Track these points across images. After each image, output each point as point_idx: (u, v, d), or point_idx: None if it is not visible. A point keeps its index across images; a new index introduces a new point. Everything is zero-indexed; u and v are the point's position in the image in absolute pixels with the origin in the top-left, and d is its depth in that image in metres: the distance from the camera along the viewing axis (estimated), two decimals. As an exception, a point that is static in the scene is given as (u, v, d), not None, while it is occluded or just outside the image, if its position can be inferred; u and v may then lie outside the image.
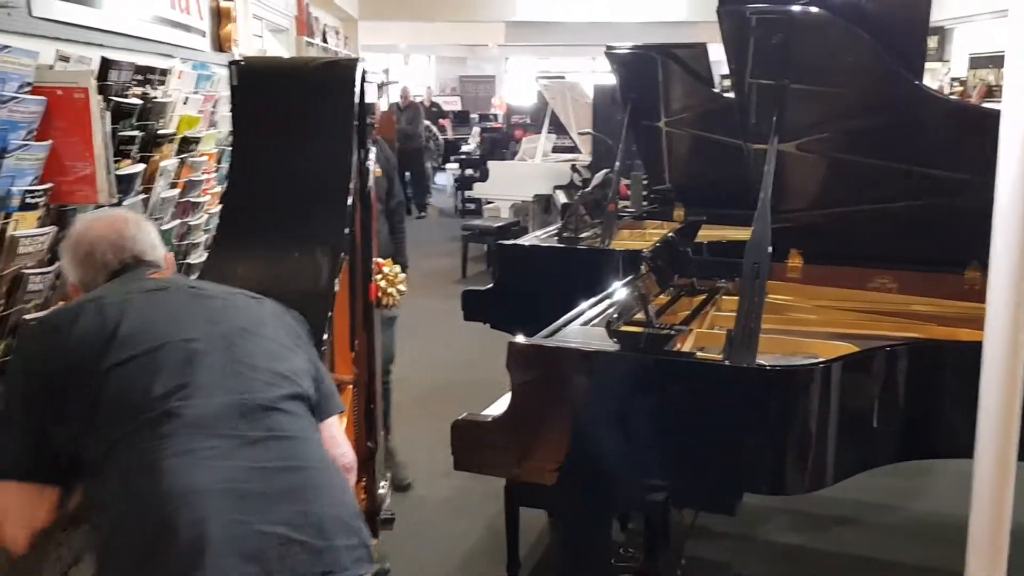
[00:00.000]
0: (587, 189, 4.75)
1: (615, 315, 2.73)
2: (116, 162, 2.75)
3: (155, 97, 3.10)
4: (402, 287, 3.36)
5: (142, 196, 2.97)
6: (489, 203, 10.25)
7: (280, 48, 6.72)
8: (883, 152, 3.03)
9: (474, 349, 5.59)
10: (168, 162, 3.26)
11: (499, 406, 2.65)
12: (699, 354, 2.54)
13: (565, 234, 4.45)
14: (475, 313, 4.27)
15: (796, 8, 2.49)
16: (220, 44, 4.59)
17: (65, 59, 2.54)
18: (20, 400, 1.74)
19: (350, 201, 2.51)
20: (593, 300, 3.14)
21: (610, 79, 6.31)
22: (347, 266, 2.60)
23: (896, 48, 2.56)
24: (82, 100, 2.34)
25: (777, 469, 2.38)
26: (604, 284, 3.54)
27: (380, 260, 3.29)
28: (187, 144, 3.50)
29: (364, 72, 2.78)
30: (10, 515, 1.73)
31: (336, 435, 1.99)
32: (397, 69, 20.75)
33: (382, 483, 3.17)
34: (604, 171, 4.94)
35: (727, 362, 2.37)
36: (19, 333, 2.13)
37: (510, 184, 9.68)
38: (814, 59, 2.66)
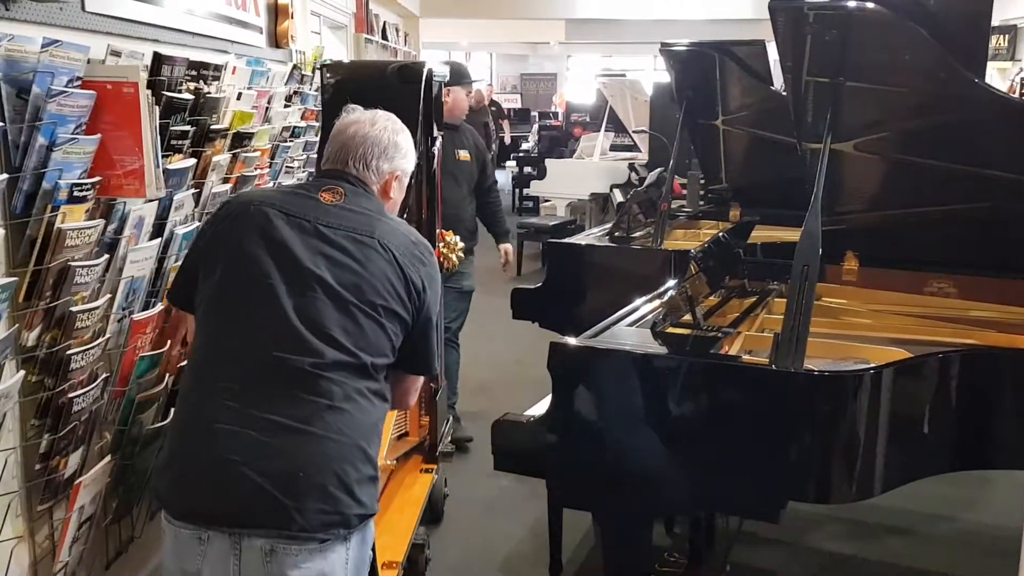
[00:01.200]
0: (640, 188, 4.69)
1: (661, 316, 2.69)
2: (167, 157, 2.78)
3: (208, 92, 3.13)
4: (461, 254, 3.97)
5: (193, 191, 3.00)
6: (546, 201, 10.20)
7: (338, 45, 6.76)
8: (944, 153, 2.94)
9: (524, 347, 5.57)
10: (220, 157, 3.29)
11: (541, 407, 2.63)
12: (745, 357, 2.49)
13: (617, 233, 4.41)
14: (524, 311, 4.25)
15: (852, 4, 2.41)
16: (277, 40, 4.63)
17: (117, 54, 2.57)
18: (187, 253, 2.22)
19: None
20: (642, 300, 3.10)
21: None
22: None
23: (957, 46, 2.46)
24: (131, 95, 2.36)
25: (823, 477, 2.32)
26: (655, 284, 3.50)
27: (443, 231, 3.80)
28: (240, 140, 3.53)
29: (431, 72, 3.35)
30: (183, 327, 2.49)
31: (408, 388, 2.20)
32: (458, 66, 20.77)
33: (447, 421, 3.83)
34: (658, 170, 4.88)
35: (773, 366, 2.31)
36: None
37: (567, 182, 9.64)
38: (871, 57, 2.57)
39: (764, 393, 2.30)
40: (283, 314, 1.88)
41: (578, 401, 2.47)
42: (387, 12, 9.48)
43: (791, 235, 4.50)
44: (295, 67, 4.49)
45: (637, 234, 4.48)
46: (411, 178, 2.76)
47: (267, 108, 4.00)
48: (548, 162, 10.20)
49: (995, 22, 10.82)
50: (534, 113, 17.59)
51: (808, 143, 2.96)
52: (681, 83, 4.49)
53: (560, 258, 4.27)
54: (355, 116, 2.21)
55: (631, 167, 9.19)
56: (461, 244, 3.95)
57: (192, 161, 2.97)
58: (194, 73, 3.07)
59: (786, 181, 4.72)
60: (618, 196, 8.85)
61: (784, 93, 4.69)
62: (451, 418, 4.18)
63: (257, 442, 1.80)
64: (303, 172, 4.55)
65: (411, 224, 2.75)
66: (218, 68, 3.30)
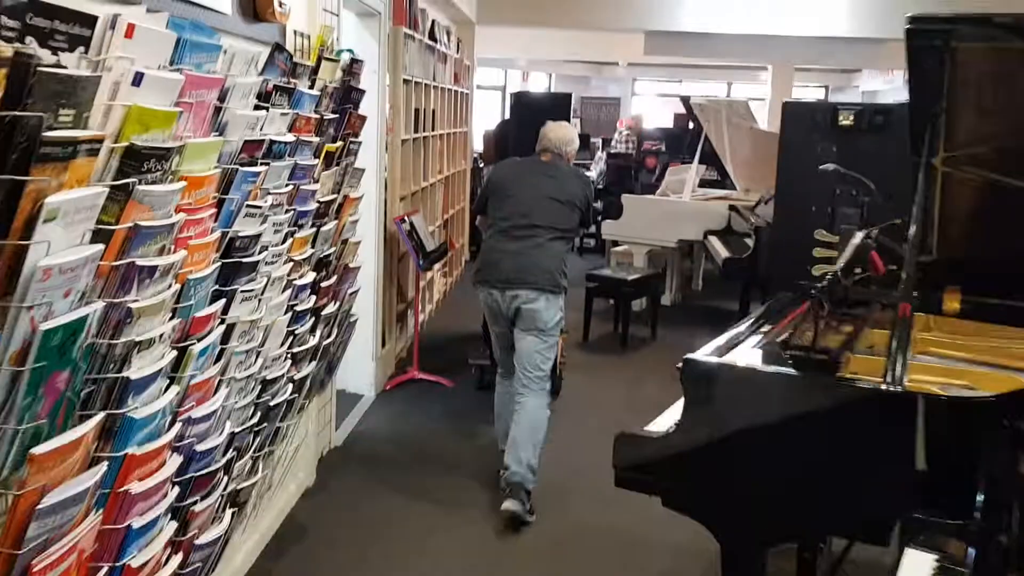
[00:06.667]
0: (840, 263, 2.88)
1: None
2: None
3: (59, 66, 1.47)
4: None
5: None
6: (616, 246, 8.33)
7: (367, 36, 5.10)
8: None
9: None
10: (75, 194, 1.62)
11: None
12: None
13: (796, 343, 2.59)
14: (635, 479, 2.46)
15: None
16: (255, 9, 2.98)
17: None
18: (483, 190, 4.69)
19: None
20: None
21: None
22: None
23: None
24: None
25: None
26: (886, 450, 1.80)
27: None
28: (139, 159, 1.87)
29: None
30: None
31: None
32: (516, 86, 19.06)
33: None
34: (880, 226, 3.06)
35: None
36: None
37: (649, 224, 7.78)
38: None
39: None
40: (531, 205, 4.35)
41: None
42: (437, 11, 7.83)
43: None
44: (276, 49, 2.78)
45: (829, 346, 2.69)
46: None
47: (218, 109, 2.33)
48: (625, 199, 8.28)
49: None
50: (595, 140, 15.64)
51: None
52: (921, 87, 2.72)
53: (715, 392, 2.38)
54: (546, 127, 4.63)
55: (734, 209, 7.36)
56: None
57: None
58: (45, 25, 1.42)
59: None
60: (720, 248, 7.01)
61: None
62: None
63: (518, 253, 4.28)
64: (283, 215, 2.84)
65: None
66: (90, 22, 1.67)
